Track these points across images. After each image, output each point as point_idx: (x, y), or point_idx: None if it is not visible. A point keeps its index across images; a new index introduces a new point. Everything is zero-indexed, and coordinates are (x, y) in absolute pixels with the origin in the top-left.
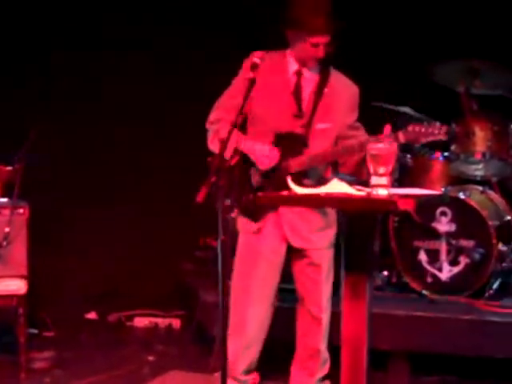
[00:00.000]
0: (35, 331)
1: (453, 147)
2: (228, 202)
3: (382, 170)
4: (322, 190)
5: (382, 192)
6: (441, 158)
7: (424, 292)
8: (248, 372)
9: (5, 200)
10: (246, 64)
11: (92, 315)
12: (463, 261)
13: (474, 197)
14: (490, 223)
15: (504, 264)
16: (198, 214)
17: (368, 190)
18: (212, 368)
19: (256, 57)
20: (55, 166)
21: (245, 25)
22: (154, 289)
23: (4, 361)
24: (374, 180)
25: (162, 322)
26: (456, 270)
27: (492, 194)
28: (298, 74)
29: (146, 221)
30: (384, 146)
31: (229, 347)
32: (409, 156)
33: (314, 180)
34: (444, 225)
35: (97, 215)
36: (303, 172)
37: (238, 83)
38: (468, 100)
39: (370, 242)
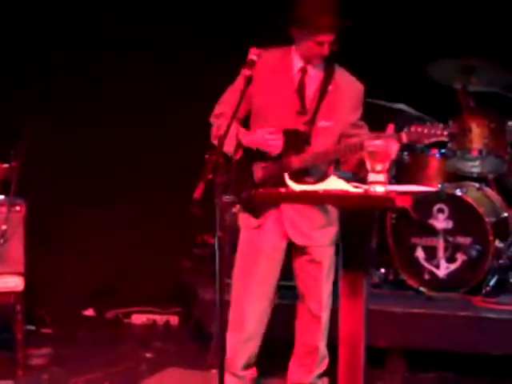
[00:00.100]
0: (33, 328)
1: (449, 144)
2: (227, 198)
3: (379, 167)
4: (319, 187)
5: (380, 189)
6: (437, 155)
7: (421, 289)
8: (247, 367)
9: (2, 197)
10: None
11: (90, 312)
12: (460, 258)
13: (470, 194)
14: (487, 220)
15: (501, 261)
16: (196, 211)
17: (365, 186)
18: (210, 365)
19: (253, 54)
20: (55, 166)
21: (245, 25)
22: (152, 286)
23: (1, 357)
24: (372, 177)
25: (159, 319)
26: (453, 266)
27: (488, 190)
28: (303, 71)
29: (144, 220)
30: (381, 143)
31: (228, 343)
32: (406, 153)
33: (315, 177)
34: (441, 222)
35: (96, 214)
36: (305, 169)
37: (241, 79)
38: (465, 97)
39: (367, 238)
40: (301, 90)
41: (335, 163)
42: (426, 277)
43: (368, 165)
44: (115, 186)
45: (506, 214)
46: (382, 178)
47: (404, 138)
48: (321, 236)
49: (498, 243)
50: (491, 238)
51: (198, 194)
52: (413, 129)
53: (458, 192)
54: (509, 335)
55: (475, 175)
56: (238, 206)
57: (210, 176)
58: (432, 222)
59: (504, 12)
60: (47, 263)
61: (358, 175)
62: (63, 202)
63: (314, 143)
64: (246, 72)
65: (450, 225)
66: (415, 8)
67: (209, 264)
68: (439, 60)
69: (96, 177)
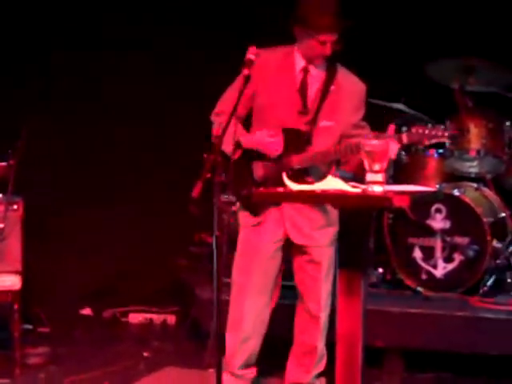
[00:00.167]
0: (30, 327)
1: (447, 144)
2: (225, 197)
3: (377, 167)
4: (317, 186)
5: (377, 189)
6: (435, 155)
7: (419, 289)
8: (245, 366)
9: None
10: None
11: (87, 311)
12: (458, 258)
13: (468, 194)
14: (485, 220)
15: (498, 261)
16: (194, 210)
17: (363, 186)
18: (207, 364)
19: (251, 53)
20: (55, 166)
21: (245, 25)
22: (149, 285)
23: None
24: (369, 177)
25: (157, 318)
26: (450, 266)
27: (486, 190)
28: (305, 70)
29: (143, 219)
30: (378, 143)
31: (226, 342)
32: (403, 153)
33: (316, 177)
34: (439, 222)
35: (94, 214)
36: (305, 169)
37: (240, 78)
38: (463, 97)
39: (365, 238)
40: (303, 89)
41: (336, 164)
42: (424, 277)
43: (366, 164)
44: (114, 186)
45: (503, 214)
46: (379, 177)
47: (405, 138)
48: (320, 236)
49: (495, 243)
50: (489, 238)
51: (196, 193)
52: (414, 130)
53: (456, 192)
54: (506, 335)
55: (473, 175)
56: (237, 205)
57: (209, 175)
58: (430, 222)
59: (504, 12)
60: (45, 262)
61: (359, 176)
62: (63, 201)
63: (315, 143)
64: (244, 71)
65: (447, 225)
66: (415, 8)
67: (206, 262)
68: (439, 60)
69: (96, 177)
